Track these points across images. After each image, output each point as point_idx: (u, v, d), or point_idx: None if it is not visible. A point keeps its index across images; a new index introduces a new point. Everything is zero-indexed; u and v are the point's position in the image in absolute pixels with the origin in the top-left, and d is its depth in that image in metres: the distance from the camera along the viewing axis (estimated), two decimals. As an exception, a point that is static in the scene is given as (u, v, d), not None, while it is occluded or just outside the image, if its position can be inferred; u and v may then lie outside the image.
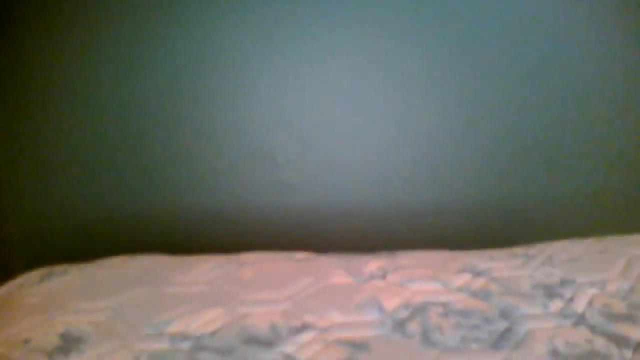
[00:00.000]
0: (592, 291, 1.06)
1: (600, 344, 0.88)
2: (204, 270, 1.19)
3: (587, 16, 1.49)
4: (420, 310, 1.01)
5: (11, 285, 1.17)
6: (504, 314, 0.98)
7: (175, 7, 1.46)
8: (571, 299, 1.03)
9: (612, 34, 1.51)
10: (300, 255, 1.30)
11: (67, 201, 1.58)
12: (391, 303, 1.04)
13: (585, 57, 1.52)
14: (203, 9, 1.46)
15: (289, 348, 0.91)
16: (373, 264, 1.22)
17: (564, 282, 1.09)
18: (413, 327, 0.95)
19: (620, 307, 0.99)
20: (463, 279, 1.13)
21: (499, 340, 0.91)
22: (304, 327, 0.96)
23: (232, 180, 1.59)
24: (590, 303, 1.01)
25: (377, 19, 1.48)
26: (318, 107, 1.55)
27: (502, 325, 0.95)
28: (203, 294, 1.09)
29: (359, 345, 0.90)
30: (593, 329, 0.93)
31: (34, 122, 1.52)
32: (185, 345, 0.92)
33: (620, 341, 0.88)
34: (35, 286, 1.15)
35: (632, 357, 0.85)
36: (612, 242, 1.27)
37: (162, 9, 1.46)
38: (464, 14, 1.48)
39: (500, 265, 1.19)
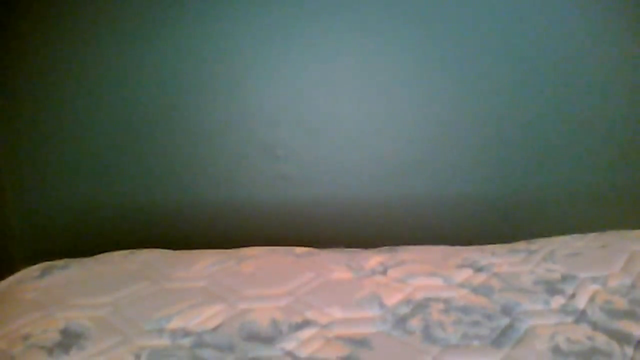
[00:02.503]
0: (593, 287, 1.05)
1: (601, 340, 0.88)
2: (204, 266, 1.19)
3: (587, 15, 1.48)
4: (421, 306, 1.01)
5: (11, 280, 1.17)
6: (505, 310, 0.98)
7: (175, 3, 1.44)
8: (573, 295, 1.03)
9: (613, 31, 1.49)
10: (300, 250, 1.30)
11: (67, 196, 1.58)
12: (392, 299, 1.04)
13: (586, 52, 1.51)
14: (205, 5, 1.45)
15: (289, 344, 0.91)
16: (374, 259, 1.21)
17: (565, 278, 1.09)
18: (414, 323, 0.95)
19: (621, 303, 0.98)
20: (464, 274, 1.13)
21: (500, 337, 0.91)
22: (305, 323, 0.96)
23: (232, 174, 1.59)
24: (591, 299, 1.01)
25: (379, 14, 1.46)
26: (319, 101, 1.54)
27: (503, 321, 0.95)
28: (203, 289, 1.09)
29: (359, 342, 0.90)
30: (594, 325, 0.93)
31: (35, 118, 1.52)
32: (186, 341, 0.92)
33: (621, 338, 0.88)
34: (36, 281, 1.14)
35: (634, 354, 0.85)
36: (614, 238, 1.27)
37: (163, 4, 1.44)
38: (464, 10, 1.47)
39: (502, 260, 1.19)
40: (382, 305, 1.02)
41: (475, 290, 1.06)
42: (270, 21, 1.47)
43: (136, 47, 1.47)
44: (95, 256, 1.28)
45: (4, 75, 1.49)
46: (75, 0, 1.43)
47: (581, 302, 1.00)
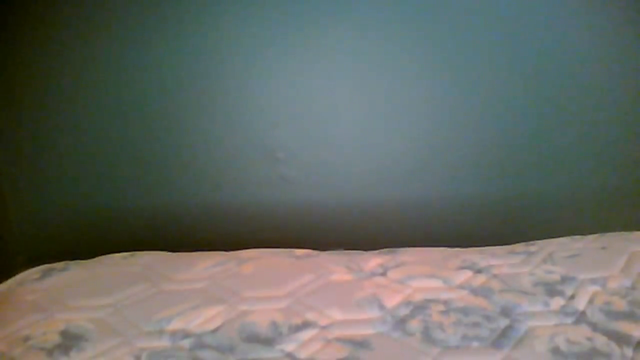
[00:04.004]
0: (593, 288, 1.05)
1: (601, 342, 0.88)
2: (204, 267, 1.19)
3: (587, 14, 1.48)
4: (421, 307, 1.01)
5: (11, 282, 1.17)
6: (505, 312, 0.98)
7: (175, 3, 1.45)
8: (572, 297, 1.03)
9: (613, 32, 1.50)
10: (300, 251, 1.30)
11: (67, 198, 1.58)
12: (392, 300, 1.04)
13: (586, 53, 1.51)
14: (205, 6, 1.45)
15: (289, 346, 0.91)
16: (374, 260, 1.22)
17: (564, 280, 1.09)
18: (414, 324, 0.95)
19: (621, 304, 0.98)
20: (464, 276, 1.13)
21: (500, 338, 0.91)
22: (305, 325, 0.96)
23: (232, 176, 1.59)
24: (591, 300, 1.01)
25: (380, 16, 1.47)
26: (319, 103, 1.54)
27: (503, 323, 0.95)
28: (203, 291, 1.09)
29: (359, 343, 0.90)
30: (594, 326, 0.93)
31: (35, 119, 1.52)
32: (186, 342, 0.92)
33: (621, 339, 0.88)
34: (36, 283, 1.14)
35: (633, 355, 0.85)
36: (613, 239, 1.27)
37: (163, 5, 1.45)
38: (464, 10, 1.47)
39: (501, 262, 1.19)
40: (381, 306, 1.02)
41: (475, 291, 1.06)
42: (271, 22, 1.47)
43: (136, 48, 1.48)
44: (95, 258, 1.28)
45: (3, 75, 1.49)
46: (75, 1, 1.44)
47: (581, 304, 1.00)
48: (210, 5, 1.45)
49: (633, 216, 1.62)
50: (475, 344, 0.90)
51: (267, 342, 0.91)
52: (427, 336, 0.92)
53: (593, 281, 1.08)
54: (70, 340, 0.92)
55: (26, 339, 0.92)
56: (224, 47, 1.48)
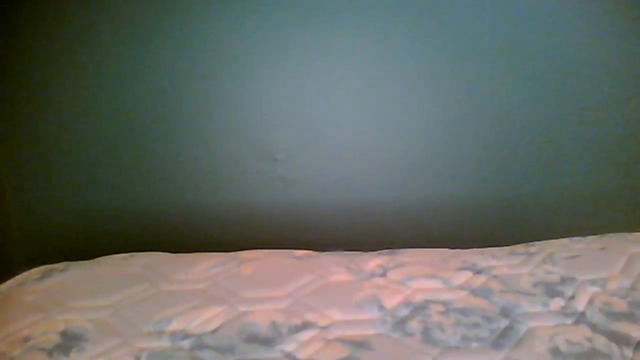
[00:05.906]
0: (593, 289, 1.05)
1: (601, 342, 0.88)
2: (204, 268, 1.19)
3: (587, 15, 1.48)
4: (420, 308, 1.01)
5: (11, 282, 1.17)
6: (505, 312, 0.98)
7: (175, 4, 1.45)
8: (572, 297, 1.03)
9: (613, 32, 1.50)
10: (300, 252, 1.30)
11: (67, 199, 1.58)
12: (392, 301, 1.04)
13: (586, 53, 1.51)
14: (203, 6, 1.45)
15: (289, 346, 0.91)
16: (373, 261, 1.22)
17: (564, 280, 1.09)
18: (413, 325, 0.95)
19: (621, 305, 0.98)
20: (464, 276, 1.13)
21: (500, 339, 0.91)
22: (305, 326, 0.96)
23: (231, 177, 1.59)
24: (591, 301, 1.01)
25: (377, 15, 1.47)
26: (318, 104, 1.54)
27: (502, 323, 0.95)
28: (203, 291, 1.09)
29: (359, 344, 0.90)
30: (594, 327, 0.93)
31: (35, 120, 1.52)
32: (186, 343, 0.92)
33: (620, 340, 0.88)
34: (36, 284, 1.14)
35: (633, 356, 0.85)
36: (613, 240, 1.27)
37: (163, 5, 1.45)
38: (464, 10, 1.47)
39: (501, 263, 1.19)
40: (381, 307, 1.02)
41: (475, 292, 1.06)
42: (269, 23, 1.47)
43: (135, 49, 1.48)
44: (95, 259, 1.28)
45: (3, 75, 1.49)
46: (76, 1, 1.44)
47: (580, 304, 1.01)
48: (209, 6, 1.45)
49: (633, 216, 1.62)
50: (474, 344, 0.90)
51: (267, 342, 0.91)
52: (427, 337, 0.92)
53: (593, 282, 1.08)
54: (70, 340, 0.92)
55: (26, 339, 0.92)
56: (223, 48, 1.49)
